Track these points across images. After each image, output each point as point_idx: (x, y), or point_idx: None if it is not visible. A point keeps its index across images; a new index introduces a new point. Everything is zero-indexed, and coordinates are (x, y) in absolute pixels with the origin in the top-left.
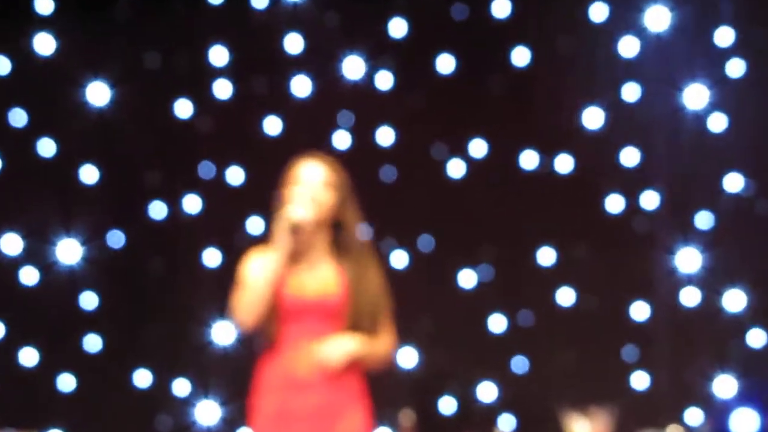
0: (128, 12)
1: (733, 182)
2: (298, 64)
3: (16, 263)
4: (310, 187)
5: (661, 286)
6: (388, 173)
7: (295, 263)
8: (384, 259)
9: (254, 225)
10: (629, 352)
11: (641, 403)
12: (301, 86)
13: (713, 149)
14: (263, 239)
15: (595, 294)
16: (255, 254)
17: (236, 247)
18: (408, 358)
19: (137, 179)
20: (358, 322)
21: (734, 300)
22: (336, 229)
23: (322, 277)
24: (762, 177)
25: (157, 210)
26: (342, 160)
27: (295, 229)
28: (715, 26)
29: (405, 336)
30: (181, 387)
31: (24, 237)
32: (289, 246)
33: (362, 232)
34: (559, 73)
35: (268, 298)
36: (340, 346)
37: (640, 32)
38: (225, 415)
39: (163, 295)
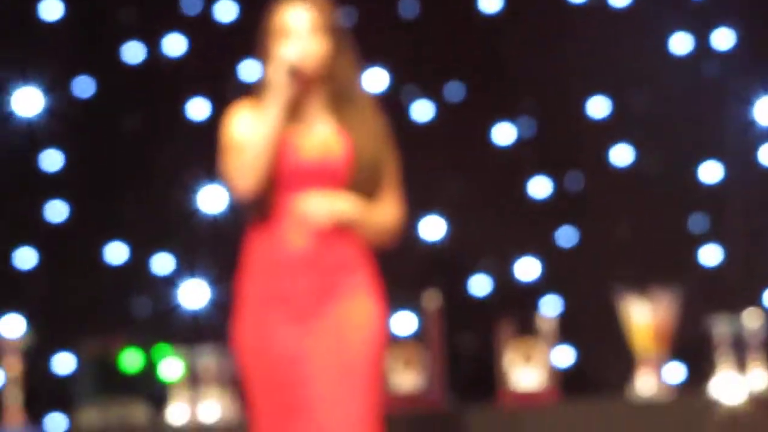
0: None
1: None
2: None
3: None
4: (297, 37)
5: (735, 143)
6: (407, 6)
7: (290, 121)
8: (404, 111)
9: (248, 69)
10: (697, 221)
11: (712, 282)
12: None
13: None
14: (257, 87)
15: (656, 152)
16: (242, 109)
17: (226, 96)
18: (433, 228)
19: (108, 14)
20: (361, 187)
21: None
22: (332, 83)
23: (321, 137)
24: None
25: (133, 52)
26: None
27: (295, 73)
28: None
29: (429, 203)
30: (162, 263)
31: None
32: (289, 94)
33: (361, 83)
34: None
35: (270, 160)
36: (328, 203)
37: None
38: (214, 297)
39: (141, 154)
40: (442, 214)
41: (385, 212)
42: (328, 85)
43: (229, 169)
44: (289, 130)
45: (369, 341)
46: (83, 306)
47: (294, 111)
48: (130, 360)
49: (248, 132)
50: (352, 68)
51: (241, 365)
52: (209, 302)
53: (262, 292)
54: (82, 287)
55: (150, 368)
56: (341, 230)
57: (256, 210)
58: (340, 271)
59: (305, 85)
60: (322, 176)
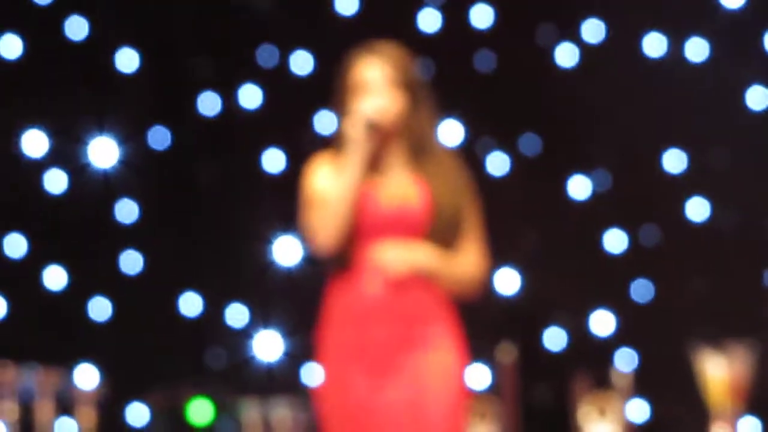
0: None
1: None
2: None
3: (40, 166)
4: (373, 91)
5: None
6: (485, 60)
7: (368, 174)
8: (479, 164)
9: (323, 122)
10: None
11: None
12: None
13: None
14: (334, 140)
15: (732, 207)
16: (322, 162)
17: (302, 148)
18: (508, 282)
19: (185, 66)
20: (441, 237)
21: None
22: (409, 135)
23: (399, 187)
24: None
25: (209, 103)
26: (429, 44)
27: (372, 128)
28: None
29: (504, 256)
30: (236, 315)
31: (50, 135)
32: (368, 149)
33: (439, 137)
34: None
35: (350, 214)
36: (405, 252)
37: None
38: (288, 349)
39: (216, 206)
40: (517, 267)
41: (465, 262)
42: (405, 138)
43: (310, 224)
44: (367, 181)
45: (447, 395)
46: (157, 357)
47: (372, 163)
48: (200, 411)
49: (328, 186)
50: (429, 120)
51: (320, 416)
52: (283, 354)
53: (341, 343)
54: (157, 339)
55: (220, 419)
56: (420, 280)
57: (336, 261)
58: (418, 322)
59: (383, 139)
60: (400, 226)
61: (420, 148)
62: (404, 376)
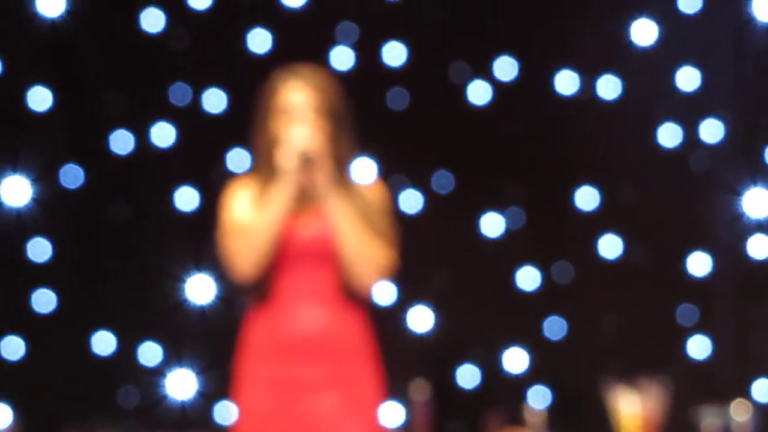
0: None
1: None
2: None
3: None
4: (297, 116)
5: (724, 235)
6: (396, 96)
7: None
8: (392, 202)
9: (236, 159)
10: (686, 313)
11: (700, 374)
12: None
13: None
14: (254, 162)
15: (645, 244)
16: (240, 189)
17: (215, 185)
18: (421, 319)
19: (97, 104)
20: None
21: None
22: (330, 164)
23: (318, 216)
24: None
25: (121, 141)
26: (342, 82)
27: (306, 161)
28: None
29: (418, 294)
30: (149, 353)
31: None
32: (298, 181)
33: (354, 167)
34: None
35: (273, 245)
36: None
37: None
38: (202, 387)
39: (128, 244)
40: (430, 305)
41: (370, 240)
42: (331, 162)
43: (229, 252)
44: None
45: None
46: (70, 397)
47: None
48: None
49: (247, 213)
50: (348, 146)
51: None
52: (197, 392)
53: (259, 377)
54: (70, 377)
55: None
56: (347, 314)
57: (255, 291)
58: (340, 358)
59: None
60: (318, 255)
61: (339, 175)
62: (322, 411)
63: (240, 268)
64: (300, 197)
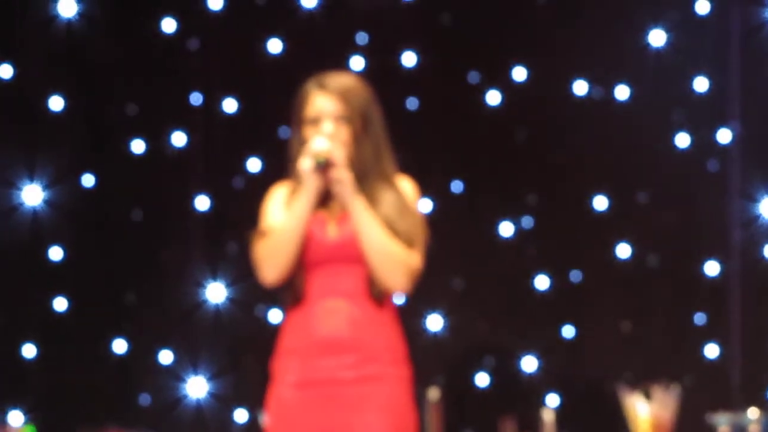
0: None
1: None
2: None
3: None
4: (323, 124)
5: (738, 240)
6: (410, 101)
7: (316, 206)
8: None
9: (252, 162)
10: (700, 318)
11: (714, 379)
12: None
13: None
14: (263, 179)
15: (658, 249)
16: (279, 191)
17: (231, 189)
18: (436, 324)
19: (113, 109)
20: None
21: None
22: (357, 164)
23: (346, 220)
24: None
25: (137, 145)
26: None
27: (322, 166)
28: None
29: (431, 299)
30: (165, 357)
31: None
32: (316, 186)
33: (388, 161)
34: None
35: (295, 248)
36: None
37: None
38: (216, 391)
39: (144, 247)
40: (443, 310)
41: (395, 242)
42: (350, 168)
43: (258, 254)
44: (314, 213)
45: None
46: (86, 400)
47: (319, 195)
48: None
49: (279, 218)
50: (374, 149)
51: None
52: (210, 395)
53: (296, 376)
54: (85, 381)
55: None
56: (377, 316)
57: (287, 293)
58: (376, 355)
59: (331, 173)
60: (344, 257)
61: (363, 177)
62: (353, 412)
63: (264, 270)
64: (326, 201)
